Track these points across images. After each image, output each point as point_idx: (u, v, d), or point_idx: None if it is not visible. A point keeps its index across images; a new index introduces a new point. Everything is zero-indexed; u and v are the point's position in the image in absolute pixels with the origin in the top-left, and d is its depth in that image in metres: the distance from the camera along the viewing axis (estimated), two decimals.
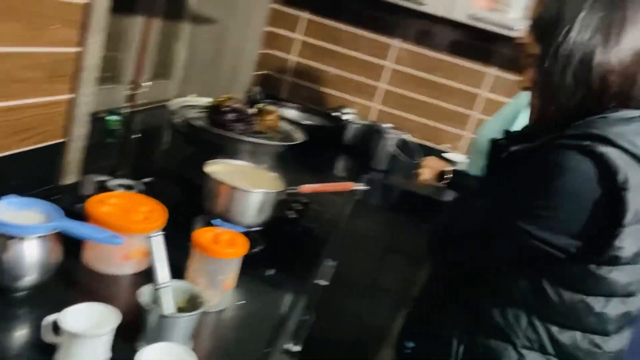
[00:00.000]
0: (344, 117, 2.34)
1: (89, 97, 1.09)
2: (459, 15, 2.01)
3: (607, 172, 0.71)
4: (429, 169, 1.34)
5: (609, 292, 0.80)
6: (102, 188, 1.07)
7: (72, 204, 1.04)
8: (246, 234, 1.04)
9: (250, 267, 1.00)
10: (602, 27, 0.75)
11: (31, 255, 0.71)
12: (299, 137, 1.41)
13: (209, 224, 1.06)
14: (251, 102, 2.17)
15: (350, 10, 2.35)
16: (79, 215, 0.87)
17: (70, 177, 1.12)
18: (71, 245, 0.84)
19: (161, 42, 1.95)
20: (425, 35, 2.34)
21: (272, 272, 1.01)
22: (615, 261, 0.77)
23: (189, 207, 1.10)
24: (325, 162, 2.08)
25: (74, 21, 1.00)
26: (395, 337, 1.00)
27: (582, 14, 0.76)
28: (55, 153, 1.06)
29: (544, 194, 0.75)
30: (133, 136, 1.66)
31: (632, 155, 0.72)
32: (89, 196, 0.93)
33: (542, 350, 0.82)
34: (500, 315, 0.83)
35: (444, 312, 0.90)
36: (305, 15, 2.41)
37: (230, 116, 1.27)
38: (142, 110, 1.90)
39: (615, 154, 0.71)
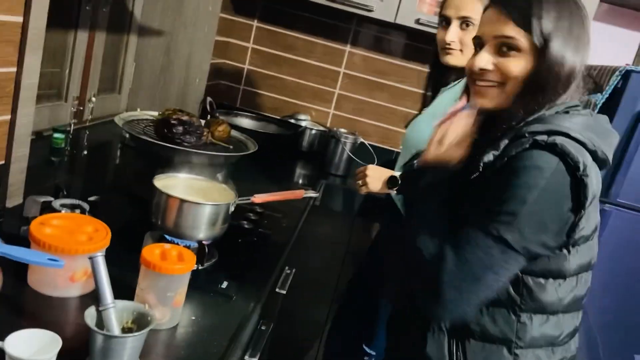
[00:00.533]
0: (300, 123, 2.35)
1: (28, 117, 1.06)
2: (406, 20, 2.05)
3: (569, 163, 0.77)
4: (373, 179, 1.31)
5: (579, 270, 0.87)
6: (47, 209, 1.04)
7: (16, 227, 1.01)
8: (199, 247, 1.04)
9: (203, 281, 0.99)
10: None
11: None
12: (251, 146, 1.41)
13: (160, 240, 1.04)
14: (204, 113, 2.15)
15: (302, 18, 2.37)
16: (24, 238, 0.85)
17: (13, 199, 1.09)
18: (17, 269, 0.82)
19: (108, 56, 1.91)
20: (376, 40, 2.38)
21: (224, 284, 1.00)
22: (581, 241, 0.84)
23: (138, 224, 1.09)
24: (281, 170, 2.08)
25: (9, 41, 0.97)
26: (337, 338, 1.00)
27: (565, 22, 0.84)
28: None
29: (516, 197, 0.77)
30: (81, 153, 1.62)
31: (582, 144, 0.80)
32: (33, 218, 0.91)
33: (534, 344, 0.86)
34: (490, 318, 0.85)
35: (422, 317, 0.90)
36: (255, 23, 2.41)
37: (179, 129, 1.26)
38: (90, 126, 1.86)
39: (573, 146, 0.78)
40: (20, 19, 0.97)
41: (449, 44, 1.31)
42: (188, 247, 1.01)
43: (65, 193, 1.13)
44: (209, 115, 1.48)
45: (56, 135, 1.52)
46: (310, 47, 2.40)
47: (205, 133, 1.31)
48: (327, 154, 2.17)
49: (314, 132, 2.29)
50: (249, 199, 1.10)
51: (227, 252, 1.12)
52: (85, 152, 1.65)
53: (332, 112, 2.47)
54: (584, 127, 0.82)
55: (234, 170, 1.45)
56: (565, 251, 0.83)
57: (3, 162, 1.04)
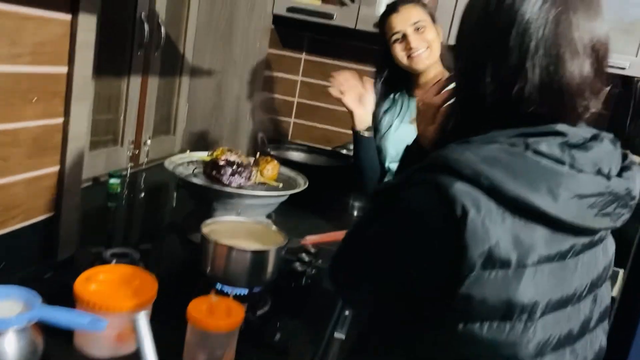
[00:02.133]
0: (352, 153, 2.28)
1: (78, 167, 1.06)
2: None
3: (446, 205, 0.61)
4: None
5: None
6: (98, 260, 1.03)
7: (67, 281, 1.00)
8: (250, 295, 0.98)
9: (255, 333, 0.93)
10: None
11: (7, 352, 0.66)
12: (301, 183, 1.35)
13: (209, 289, 1.00)
14: (256, 149, 2.14)
15: (351, 47, 2.33)
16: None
17: (65, 251, 1.08)
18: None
19: (161, 98, 1.95)
20: None
21: (277, 336, 0.94)
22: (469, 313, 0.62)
23: (189, 272, 1.05)
24: (335, 204, 2.01)
25: (55, 92, 0.98)
26: None
27: None
28: (45, 228, 1.03)
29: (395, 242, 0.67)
30: (137, 197, 1.63)
31: (477, 183, 0.61)
32: (84, 270, 0.89)
33: None
34: None
35: None
36: (303, 56, 2.39)
37: (227, 170, 1.22)
38: (146, 168, 1.89)
39: (458, 185, 0.61)
40: (64, 70, 0.97)
41: (415, 49, 1.43)
42: (239, 295, 0.95)
43: (116, 241, 1.12)
44: (258, 153, 1.44)
45: (112, 180, 1.54)
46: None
47: (254, 172, 1.27)
48: None
49: None
50: (299, 241, 1.04)
51: (279, 298, 1.06)
52: (142, 196, 1.66)
53: None
54: (492, 159, 0.62)
55: (285, 207, 1.40)
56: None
57: (53, 213, 1.04)
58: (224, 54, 2.05)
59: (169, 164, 1.29)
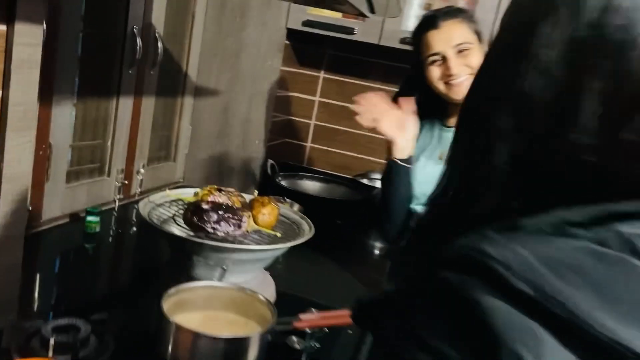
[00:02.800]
0: (375, 183, 2.04)
1: (17, 214, 0.85)
2: None
3: None
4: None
5: None
6: (36, 336, 0.81)
7: None
8: None
9: None
10: None
11: None
12: (305, 231, 1.11)
13: None
14: (265, 177, 1.91)
15: (374, 65, 2.10)
16: None
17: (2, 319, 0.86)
18: None
19: (159, 121, 1.74)
20: None
21: None
22: None
23: (145, 357, 0.81)
24: (355, 246, 1.75)
25: None
26: None
27: None
28: None
29: None
30: (118, 238, 1.41)
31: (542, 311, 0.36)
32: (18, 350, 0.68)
33: None
34: None
35: None
36: (322, 74, 2.17)
37: (212, 216, 0.99)
38: (139, 200, 1.68)
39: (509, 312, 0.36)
40: None
41: (455, 76, 1.18)
42: None
43: (72, 304, 0.90)
44: (257, 194, 1.21)
45: (89, 218, 1.33)
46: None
47: (245, 219, 1.03)
48: None
49: None
50: (289, 323, 0.79)
51: None
52: (123, 237, 1.44)
53: None
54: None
55: (292, 249, 1.17)
56: None
57: None
58: (232, 72, 1.84)
59: (144, 205, 1.06)
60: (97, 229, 1.33)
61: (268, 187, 1.87)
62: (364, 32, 1.80)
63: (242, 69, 1.82)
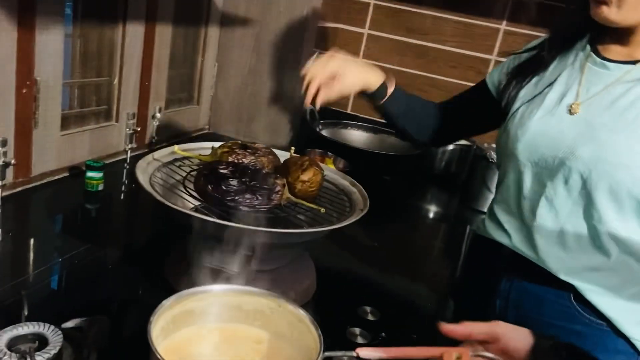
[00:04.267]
0: None
1: None
2: None
3: None
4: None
5: None
6: None
7: None
8: None
9: None
10: None
11: None
12: (358, 203, 0.83)
13: None
14: (304, 127, 1.63)
15: None
16: None
17: None
18: None
19: (180, 56, 1.46)
20: (544, 12, 1.65)
21: None
22: None
23: None
24: (409, 210, 1.47)
25: None
26: None
27: None
28: None
29: None
30: (123, 202, 1.16)
31: None
32: None
33: None
34: None
35: None
36: (372, 1, 1.81)
37: (231, 184, 0.72)
38: (157, 149, 1.43)
39: None
40: None
41: None
42: None
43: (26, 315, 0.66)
44: (293, 152, 0.93)
45: (89, 174, 1.08)
46: (444, 27, 1.74)
47: (279, 187, 0.76)
48: (472, 182, 1.52)
49: (450, 147, 1.65)
50: (345, 357, 0.52)
51: None
52: (131, 197, 1.19)
53: None
54: None
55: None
56: None
57: None
58: None
59: (146, 166, 0.80)
60: (100, 187, 1.09)
61: (307, 138, 1.59)
62: None
63: None
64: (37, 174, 1.07)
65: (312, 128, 1.58)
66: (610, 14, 0.71)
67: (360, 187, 0.88)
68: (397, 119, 0.96)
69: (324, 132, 1.58)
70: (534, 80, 0.82)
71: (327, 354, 0.52)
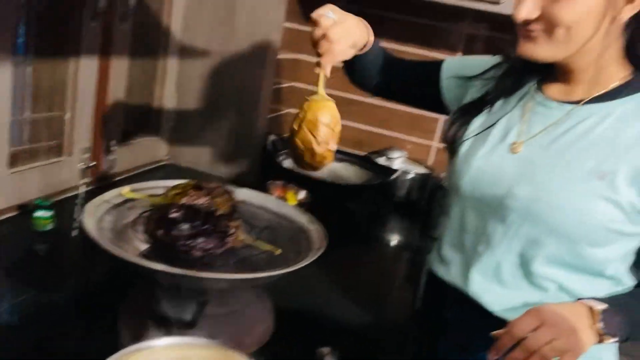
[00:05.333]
0: (393, 163, 1.74)
1: None
2: None
3: None
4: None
5: None
6: None
7: None
8: None
9: None
10: None
11: None
12: (315, 241, 0.82)
13: None
14: (266, 156, 1.62)
15: (393, 21, 1.76)
16: None
17: None
18: None
19: (137, 86, 1.44)
20: (497, 45, 1.71)
21: None
22: None
23: None
24: (369, 239, 1.47)
25: None
26: None
27: None
28: None
29: None
30: (71, 243, 1.12)
31: None
32: None
33: None
34: None
35: None
36: None
37: (183, 228, 0.70)
38: (113, 184, 1.39)
39: None
40: None
41: (527, 24, 0.73)
42: None
43: None
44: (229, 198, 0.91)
45: (39, 213, 1.04)
46: (405, 56, 1.78)
47: (233, 230, 0.74)
48: (432, 211, 1.54)
49: (410, 176, 1.67)
50: None
51: None
52: (84, 236, 1.14)
53: (436, 146, 1.83)
54: None
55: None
56: None
57: None
58: (226, 29, 1.52)
59: (93, 209, 0.78)
60: (50, 226, 1.05)
61: (269, 168, 1.58)
62: None
63: (238, 24, 1.50)
64: None
65: (273, 159, 1.57)
66: (537, 50, 0.73)
67: (319, 224, 0.88)
68: (362, 70, 0.95)
69: (286, 163, 1.57)
70: (481, 117, 0.85)
71: None
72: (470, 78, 0.90)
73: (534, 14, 0.70)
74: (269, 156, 1.59)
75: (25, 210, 1.11)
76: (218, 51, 1.54)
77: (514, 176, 0.75)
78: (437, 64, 0.98)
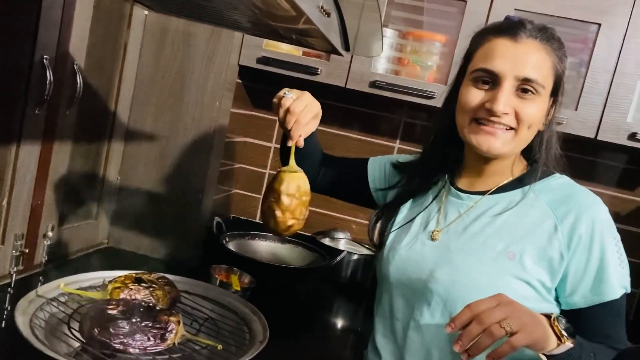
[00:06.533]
0: (339, 244, 1.78)
1: None
2: None
3: None
4: (525, 319, 0.71)
5: None
6: None
7: None
8: None
9: None
10: None
11: None
12: (259, 333, 0.82)
13: None
14: (211, 239, 1.61)
15: (337, 109, 1.86)
16: None
17: None
18: None
19: (78, 171, 1.42)
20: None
21: None
22: None
23: None
24: (316, 325, 1.46)
25: None
26: None
27: None
28: None
29: None
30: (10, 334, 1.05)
31: None
32: None
33: None
34: None
35: None
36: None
37: (122, 327, 0.69)
38: (46, 270, 1.33)
39: None
40: None
41: (498, 117, 0.81)
42: None
43: None
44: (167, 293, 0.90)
45: None
46: (347, 144, 1.87)
47: (173, 326, 0.73)
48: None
49: (355, 257, 1.70)
50: None
51: None
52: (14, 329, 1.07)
53: None
54: None
55: None
56: None
57: None
58: (173, 114, 1.55)
59: (26, 303, 0.74)
60: None
61: (213, 250, 1.57)
62: (329, 73, 1.56)
63: (185, 110, 1.54)
64: None
65: (218, 241, 1.56)
66: (495, 144, 0.82)
67: (261, 315, 0.88)
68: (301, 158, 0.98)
69: (231, 245, 1.57)
70: (404, 210, 0.92)
71: None
72: (388, 177, 1.01)
73: (508, 110, 0.79)
74: (214, 238, 1.58)
75: None
76: (164, 135, 1.56)
77: (434, 261, 0.81)
78: (364, 163, 1.06)
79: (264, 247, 1.69)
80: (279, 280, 1.49)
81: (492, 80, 0.82)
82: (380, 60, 1.57)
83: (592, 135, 1.43)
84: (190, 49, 1.53)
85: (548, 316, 0.70)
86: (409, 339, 0.81)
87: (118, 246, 1.58)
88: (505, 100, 0.80)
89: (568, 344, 0.69)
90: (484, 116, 0.82)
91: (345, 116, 1.86)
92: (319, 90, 1.75)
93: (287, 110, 0.86)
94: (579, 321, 0.76)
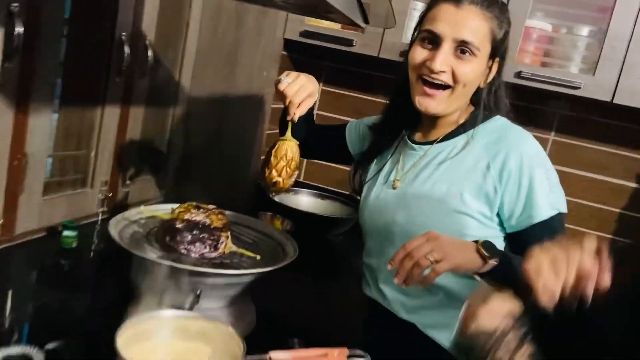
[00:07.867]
0: None
1: None
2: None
3: None
4: (447, 246, 0.87)
5: None
6: None
7: None
8: None
9: None
10: None
11: None
12: (289, 252, 1.04)
13: None
14: (260, 193, 1.84)
15: (374, 77, 2.03)
16: None
17: None
18: None
19: (150, 132, 1.69)
20: None
21: None
22: None
23: None
24: (344, 268, 1.67)
25: None
26: None
27: None
28: None
29: None
30: (93, 256, 1.34)
31: None
32: None
33: None
34: None
35: None
36: (320, 87, 2.11)
37: (185, 236, 0.92)
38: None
39: None
40: None
41: (436, 74, 0.95)
42: None
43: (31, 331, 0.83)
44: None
45: (65, 233, 1.26)
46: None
47: (223, 239, 0.96)
48: None
49: None
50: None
51: None
52: (101, 254, 1.35)
53: None
54: None
55: (274, 276, 1.09)
56: None
57: None
58: (226, 84, 1.78)
59: (117, 223, 1.00)
60: (74, 244, 1.27)
61: (261, 203, 1.80)
62: (364, 44, 1.73)
63: (237, 80, 1.77)
64: (20, 232, 1.24)
65: (265, 194, 1.80)
66: (433, 105, 0.99)
67: (293, 240, 1.09)
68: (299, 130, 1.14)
69: (276, 198, 1.80)
70: (374, 163, 1.12)
71: (248, 357, 0.71)
72: (363, 138, 1.21)
73: (445, 68, 0.95)
74: (262, 191, 1.82)
75: (53, 231, 1.33)
76: (220, 102, 1.79)
77: (394, 207, 1.01)
78: (342, 128, 1.28)
79: (306, 201, 1.91)
80: (316, 227, 1.70)
81: (434, 41, 0.96)
82: (411, 30, 1.72)
83: (608, 99, 1.53)
84: (241, 25, 1.75)
85: (476, 242, 0.86)
86: (383, 272, 1.02)
87: (182, 196, 1.85)
88: (443, 59, 0.94)
89: (492, 262, 0.84)
90: (425, 73, 0.96)
91: (381, 84, 2.03)
92: (355, 60, 1.92)
93: (282, 93, 1.02)
94: (522, 242, 0.91)
